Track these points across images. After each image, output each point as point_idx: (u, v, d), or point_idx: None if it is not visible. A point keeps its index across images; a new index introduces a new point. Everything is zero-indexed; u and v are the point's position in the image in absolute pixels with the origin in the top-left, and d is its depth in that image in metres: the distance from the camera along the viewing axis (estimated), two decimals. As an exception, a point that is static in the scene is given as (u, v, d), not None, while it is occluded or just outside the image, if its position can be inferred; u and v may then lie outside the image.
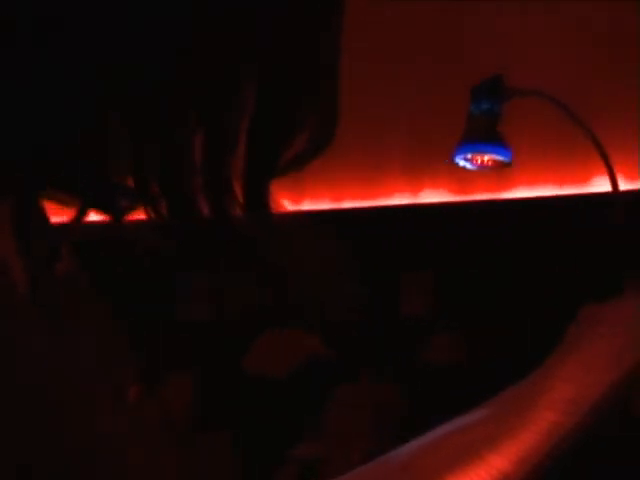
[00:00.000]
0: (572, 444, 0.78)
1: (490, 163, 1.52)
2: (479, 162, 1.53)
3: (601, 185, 1.89)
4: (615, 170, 1.49)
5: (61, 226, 0.58)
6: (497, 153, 1.47)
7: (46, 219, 0.58)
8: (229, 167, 0.56)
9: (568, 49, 2.03)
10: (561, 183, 2.15)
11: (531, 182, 2.19)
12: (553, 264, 2.08)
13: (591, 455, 0.80)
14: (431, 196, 2.31)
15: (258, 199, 0.57)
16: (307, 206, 2.31)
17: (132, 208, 0.56)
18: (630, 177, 2.00)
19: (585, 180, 2.10)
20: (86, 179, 0.55)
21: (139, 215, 0.56)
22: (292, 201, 2.27)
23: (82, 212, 0.55)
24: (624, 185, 1.89)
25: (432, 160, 2.17)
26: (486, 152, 1.48)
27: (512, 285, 2.18)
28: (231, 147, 0.56)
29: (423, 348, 2.13)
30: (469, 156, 1.52)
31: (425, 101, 2.14)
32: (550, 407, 0.82)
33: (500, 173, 2.08)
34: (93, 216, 0.56)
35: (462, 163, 1.54)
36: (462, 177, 2.16)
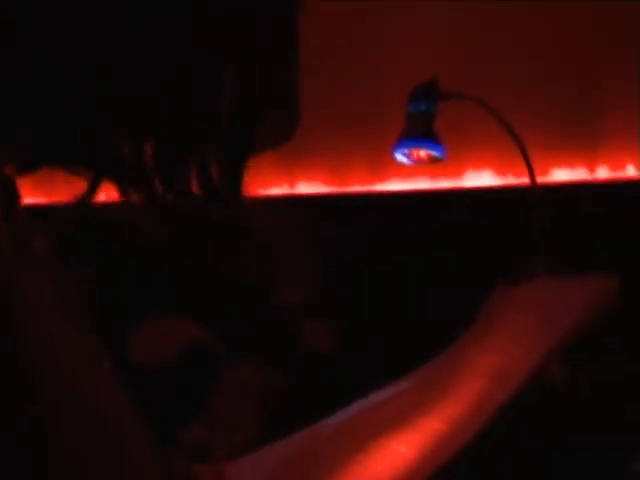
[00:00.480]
0: (500, 410, 0.82)
1: (425, 158, 1.71)
2: (416, 157, 1.71)
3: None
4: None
5: (63, 205, 0.60)
6: (432, 149, 1.65)
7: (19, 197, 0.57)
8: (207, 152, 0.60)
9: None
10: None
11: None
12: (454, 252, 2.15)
13: (511, 423, 0.84)
14: (307, 187, 2.34)
15: (236, 180, 0.61)
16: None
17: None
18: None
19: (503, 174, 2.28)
20: (99, 152, 0.57)
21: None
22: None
23: (95, 183, 0.58)
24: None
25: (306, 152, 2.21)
26: (422, 148, 1.66)
27: (395, 276, 2.21)
28: (212, 132, 0.60)
29: (300, 335, 2.12)
30: (406, 151, 1.71)
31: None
32: (478, 374, 0.85)
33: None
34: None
35: (400, 158, 1.72)
36: (339, 169, 2.29)
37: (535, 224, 1.60)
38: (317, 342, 2.12)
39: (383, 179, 2.28)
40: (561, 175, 2.17)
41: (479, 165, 2.24)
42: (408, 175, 2.23)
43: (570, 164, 2.17)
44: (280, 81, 0.63)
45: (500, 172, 2.23)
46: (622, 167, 2.16)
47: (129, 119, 0.57)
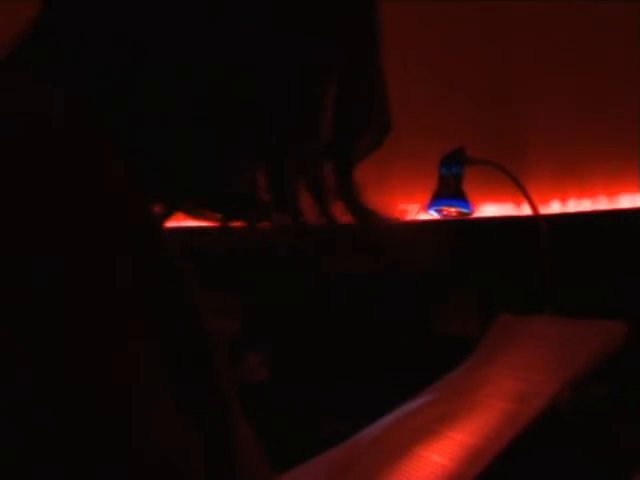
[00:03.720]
0: (522, 430, 0.84)
1: (455, 214, 1.96)
2: (446, 213, 1.97)
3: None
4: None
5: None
6: (462, 207, 1.91)
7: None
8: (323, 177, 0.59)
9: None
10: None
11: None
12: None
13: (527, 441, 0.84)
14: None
15: (351, 192, 0.60)
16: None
17: (264, 218, 0.59)
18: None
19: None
20: (228, 197, 0.59)
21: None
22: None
23: (225, 223, 0.59)
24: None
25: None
26: (453, 206, 1.92)
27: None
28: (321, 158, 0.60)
29: (235, 367, 2.16)
30: (438, 208, 1.96)
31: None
32: (502, 395, 0.89)
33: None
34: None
35: (432, 213, 1.97)
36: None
37: (541, 255, 1.80)
38: (251, 374, 2.17)
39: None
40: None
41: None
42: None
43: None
44: (377, 85, 0.63)
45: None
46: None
47: (249, 150, 0.58)
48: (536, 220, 1.82)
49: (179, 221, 0.62)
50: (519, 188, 1.82)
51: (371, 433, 0.88)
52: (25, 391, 0.41)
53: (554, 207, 2.32)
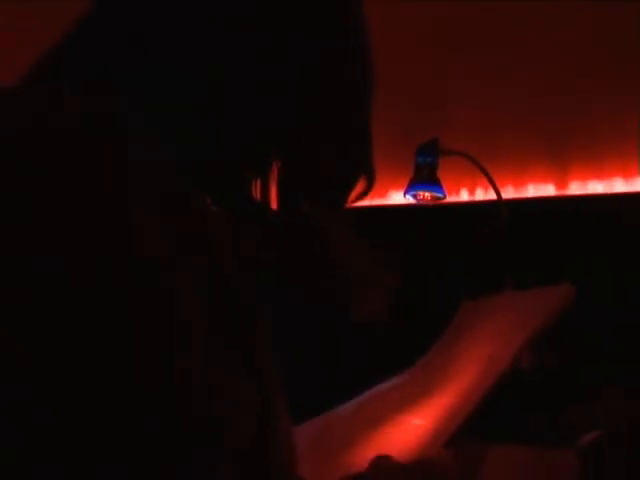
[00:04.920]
0: (492, 388, 0.86)
1: (429, 198, 2.14)
2: (422, 197, 2.14)
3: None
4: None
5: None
6: (435, 191, 2.09)
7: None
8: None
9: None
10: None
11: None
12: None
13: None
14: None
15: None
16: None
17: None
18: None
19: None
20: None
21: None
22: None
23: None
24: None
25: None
26: (427, 191, 2.10)
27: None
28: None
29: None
30: (413, 193, 2.13)
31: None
32: (474, 360, 0.93)
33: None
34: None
35: (409, 197, 2.14)
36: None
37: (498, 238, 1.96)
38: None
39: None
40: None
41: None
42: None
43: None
44: (365, 147, 0.66)
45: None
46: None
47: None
48: (498, 205, 2.00)
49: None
50: (485, 176, 2.00)
51: (347, 407, 0.91)
52: (30, 391, 0.42)
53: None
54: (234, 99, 0.57)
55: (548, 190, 2.52)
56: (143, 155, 0.49)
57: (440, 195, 2.10)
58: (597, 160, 2.46)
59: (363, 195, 0.66)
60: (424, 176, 2.05)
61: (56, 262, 0.44)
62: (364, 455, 0.76)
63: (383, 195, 2.57)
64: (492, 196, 2.09)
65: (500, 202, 2.04)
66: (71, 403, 0.43)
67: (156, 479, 0.44)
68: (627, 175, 2.45)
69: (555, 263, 2.12)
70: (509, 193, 2.45)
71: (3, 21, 2.49)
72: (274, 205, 0.60)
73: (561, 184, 2.51)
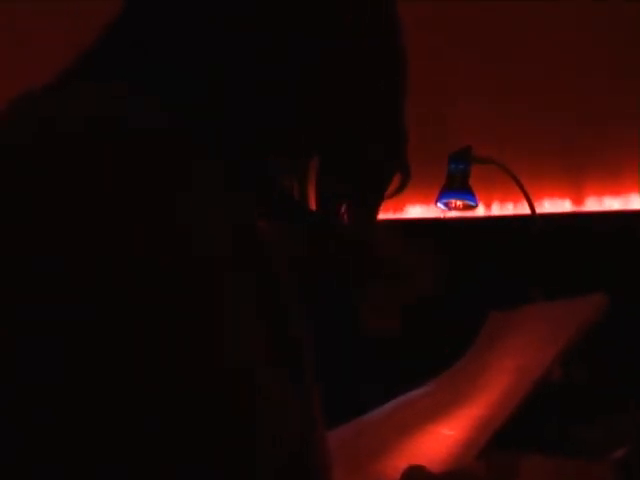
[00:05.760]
0: (525, 399, 0.84)
1: (461, 206, 2.13)
2: (453, 206, 2.13)
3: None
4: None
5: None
6: (468, 200, 2.08)
7: None
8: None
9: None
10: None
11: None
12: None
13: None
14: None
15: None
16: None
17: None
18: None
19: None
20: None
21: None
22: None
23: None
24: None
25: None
26: (460, 199, 2.09)
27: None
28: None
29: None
30: (445, 201, 2.12)
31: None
32: (505, 371, 0.92)
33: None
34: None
35: (441, 206, 2.14)
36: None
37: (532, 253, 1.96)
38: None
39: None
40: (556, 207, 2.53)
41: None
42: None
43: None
44: (400, 144, 0.67)
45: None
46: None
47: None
48: (532, 219, 1.99)
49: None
50: (519, 187, 1.99)
51: (376, 414, 0.91)
52: (30, 391, 0.42)
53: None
54: (234, 99, 0.58)
55: (564, 206, 2.52)
56: (144, 155, 0.49)
57: (472, 204, 2.10)
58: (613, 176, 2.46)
59: (399, 191, 0.66)
60: (456, 184, 2.05)
61: (56, 262, 0.44)
62: (395, 464, 0.76)
63: (400, 209, 2.57)
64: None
65: (534, 216, 2.03)
66: (71, 403, 0.43)
67: (156, 479, 0.44)
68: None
69: (574, 277, 2.05)
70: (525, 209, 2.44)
71: (3, 21, 2.51)
72: (312, 205, 0.60)
73: (577, 199, 2.51)
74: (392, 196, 0.66)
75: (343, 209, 0.63)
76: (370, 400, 0.94)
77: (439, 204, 2.11)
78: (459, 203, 2.11)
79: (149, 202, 0.46)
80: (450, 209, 2.15)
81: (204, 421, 0.44)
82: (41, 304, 0.43)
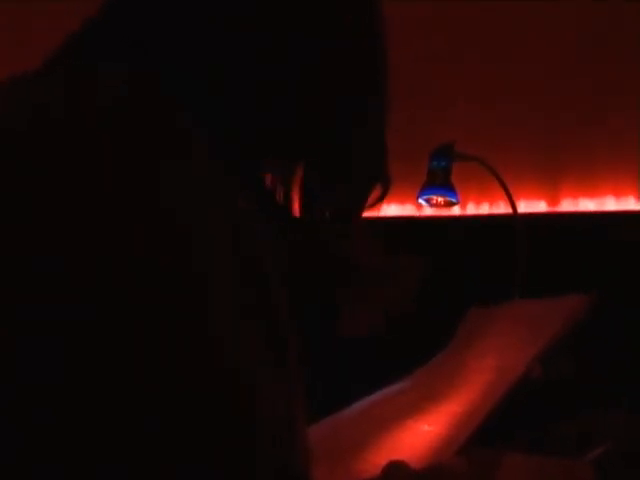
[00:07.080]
0: (502, 398, 0.84)
1: (442, 203, 2.13)
2: (435, 202, 2.12)
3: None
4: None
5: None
6: (449, 196, 2.07)
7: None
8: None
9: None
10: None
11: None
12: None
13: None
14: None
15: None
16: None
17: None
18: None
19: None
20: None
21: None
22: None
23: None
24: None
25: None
26: (441, 195, 2.07)
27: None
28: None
29: None
30: (426, 197, 2.11)
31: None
32: (484, 370, 0.91)
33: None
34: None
35: (422, 202, 2.13)
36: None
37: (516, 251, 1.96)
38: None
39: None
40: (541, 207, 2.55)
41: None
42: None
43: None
44: (379, 153, 0.67)
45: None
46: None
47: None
48: (514, 219, 1.99)
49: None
50: (502, 186, 1.99)
51: (353, 410, 0.90)
52: (30, 391, 0.42)
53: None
54: (234, 99, 0.58)
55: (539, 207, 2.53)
56: (144, 152, 0.49)
57: (454, 200, 2.09)
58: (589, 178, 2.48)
59: (379, 201, 0.66)
60: (438, 180, 2.04)
61: (56, 262, 0.44)
62: (374, 460, 0.76)
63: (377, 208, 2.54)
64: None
65: (516, 215, 2.03)
66: (71, 403, 0.43)
67: (156, 479, 0.44)
68: (619, 194, 2.47)
69: (551, 277, 2.06)
70: (501, 208, 2.45)
71: (3, 21, 2.51)
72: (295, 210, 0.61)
73: (553, 201, 2.52)
74: (372, 206, 0.66)
75: (326, 214, 0.63)
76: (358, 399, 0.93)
77: (420, 200, 2.10)
78: (440, 199, 2.10)
79: (149, 202, 0.46)
80: (431, 205, 2.14)
81: (204, 421, 0.44)
82: (41, 304, 0.43)
